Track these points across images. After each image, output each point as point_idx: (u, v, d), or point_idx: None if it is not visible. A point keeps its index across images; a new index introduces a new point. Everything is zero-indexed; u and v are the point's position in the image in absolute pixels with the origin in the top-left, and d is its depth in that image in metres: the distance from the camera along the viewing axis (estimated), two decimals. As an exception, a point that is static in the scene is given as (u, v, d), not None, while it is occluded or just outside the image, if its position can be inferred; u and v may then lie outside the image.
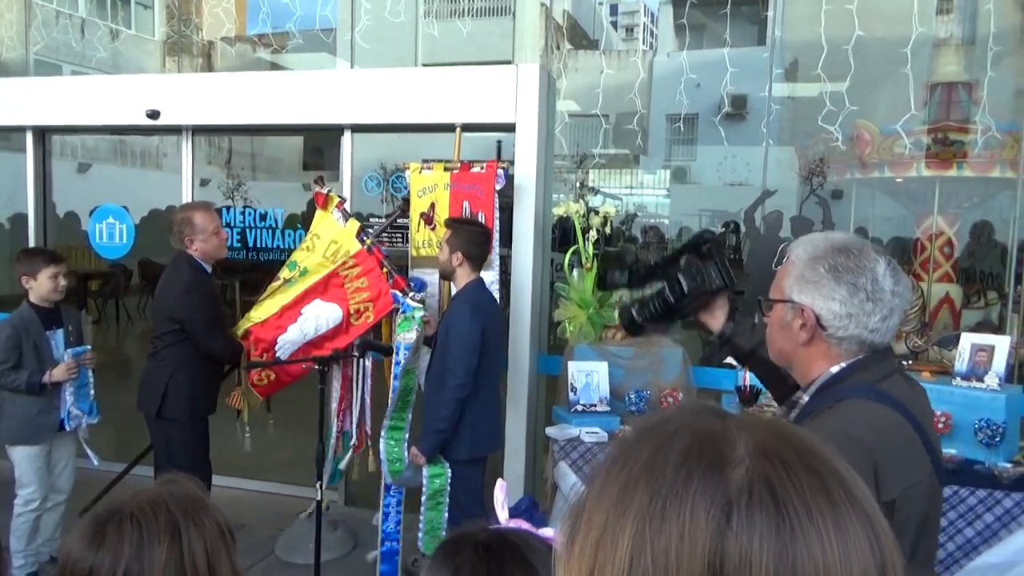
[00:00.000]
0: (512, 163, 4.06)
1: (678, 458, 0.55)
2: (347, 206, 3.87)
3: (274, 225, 4.75)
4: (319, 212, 3.81)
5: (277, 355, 3.64)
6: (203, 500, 1.10)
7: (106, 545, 1.03)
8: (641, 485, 0.54)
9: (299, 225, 4.76)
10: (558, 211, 4.10)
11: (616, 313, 1.92)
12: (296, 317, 3.59)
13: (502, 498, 0.83)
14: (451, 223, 3.43)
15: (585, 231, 3.93)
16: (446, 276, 3.41)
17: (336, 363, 3.20)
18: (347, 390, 3.83)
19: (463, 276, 3.28)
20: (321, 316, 3.58)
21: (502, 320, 3.44)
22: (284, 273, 3.80)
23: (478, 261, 3.26)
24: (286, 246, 4.77)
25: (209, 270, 3.57)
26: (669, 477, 0.54)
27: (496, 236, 3.86)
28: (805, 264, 1.33)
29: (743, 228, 5.30)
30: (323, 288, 3.63)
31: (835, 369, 1.33)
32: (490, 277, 3.86)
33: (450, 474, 3.31)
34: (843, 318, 1.30)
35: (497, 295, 3.86)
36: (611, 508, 0.55)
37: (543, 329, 4.34)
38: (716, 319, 1.79)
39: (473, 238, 3.26)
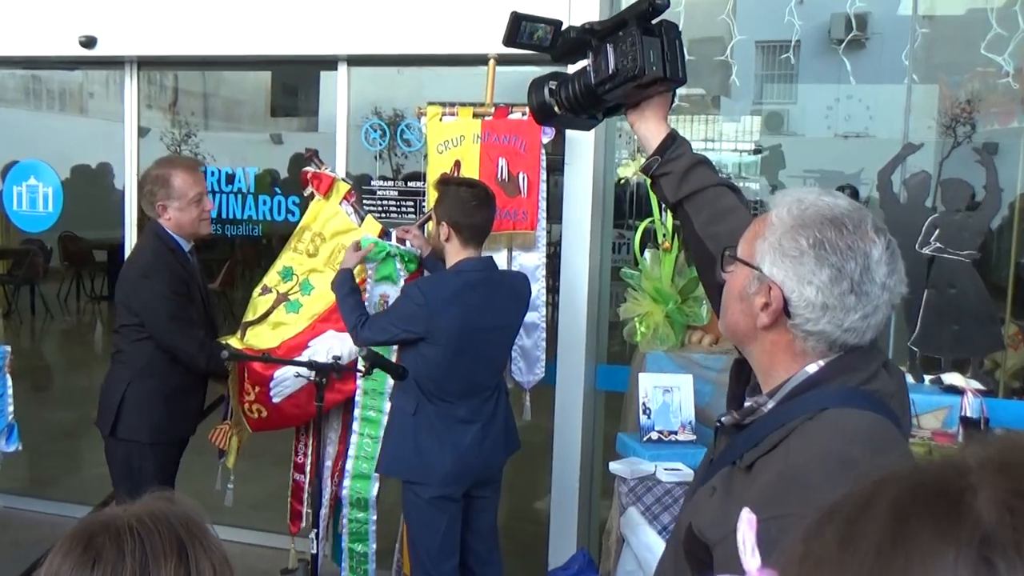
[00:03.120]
0: (563, 108, 4.03)
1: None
2: (338, 174, 3.87)
3: (244, 189, 4.76)
4: (317, 201, 3.82)
5: (271, 394, 3.65)
6: (204, 522, 1.16)
7: (103, 561, 1.07)
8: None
9: (278, 190, 4.76)
10: (624, 172, 4.06)
11: (529, 96, 1.90)
12: (302, 350, 3.59)
13: (751, 537, 0.77)
14: (437, 183, 3.43)
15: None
16: (440, 257, 3.42)
17: (336, 374, 3.21)
18: (347, 414, 3.85)
19: (453, 253, 3.28)
20: (335, 351, 3.54)
21: (508, 320, 3.37)
22: (274, 282, 3.80)
23: (470, 233, 3.24)
24: (259, 217, 4.78)
25: (186, 247, 3.59)
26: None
27: (542, 207, 3.84)
28: (787, 231, 1.37)
29: (872, 195, 5.18)
30: (338, 316, 3.59)
31: (812, 368, 1.38)
32: (533, 260, 3.85)
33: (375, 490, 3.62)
34: (816, 309, 1.35)
35: (542, 286, 3.84)
36: None
37: (603, 330, 4.32)
38: (648, 126, 1.80)
39: (458, 201, 3.24)
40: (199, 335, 3.57)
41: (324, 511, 3.84)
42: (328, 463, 3.87)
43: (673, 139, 1.79)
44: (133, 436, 3.54)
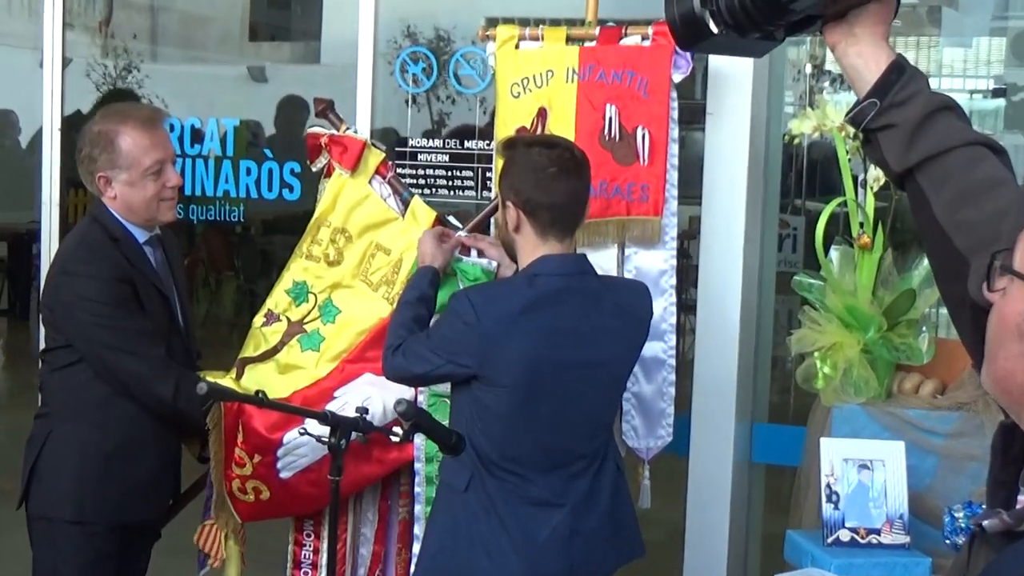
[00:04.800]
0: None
1: None
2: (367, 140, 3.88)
3: (217, 152, 4.84)
4: (337, 178, 3.85)
5: (278, 466, 3.68)
6: None
7: None
8: None
9: (267, 152, 4.83)
10: (798, 127, 4.02)
11: (667, 6, 1.84)
12: (324, 404, 3.55)
13: None
14: (501, 145, 3.44)
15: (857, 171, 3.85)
16: (510, 252, 3.43)
17: (361, 436, 3.22)
18: (388, 496, 3.89)
19: (525, 249, 3.26)
20: (374, 403, 3.54)
21: (612, 352, 3.33)
22: (282, 306, 3.85)
23: (549, 216, 3.19)
24: (239, 193, 4.86)
25: (140, 237, 3.67)
26: None
27: (672, 180, 3.85)
28: None
29: None
30: (377, 353, 3.57)
31: None
32: (657, 263, 3.87)
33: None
34: None
35: (671, 302, 3.86)
36: None
37: (763, 371, 4.35)
38: (860, 50, 1.78)
39: (529, 168, 3.20)
40: (157, 353, 3.60)
41: None
42: (362, 571, 3.88)
43: (900, 71, 1.77)
44: (48, 511, 3.60)
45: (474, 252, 3.68)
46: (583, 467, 3.34)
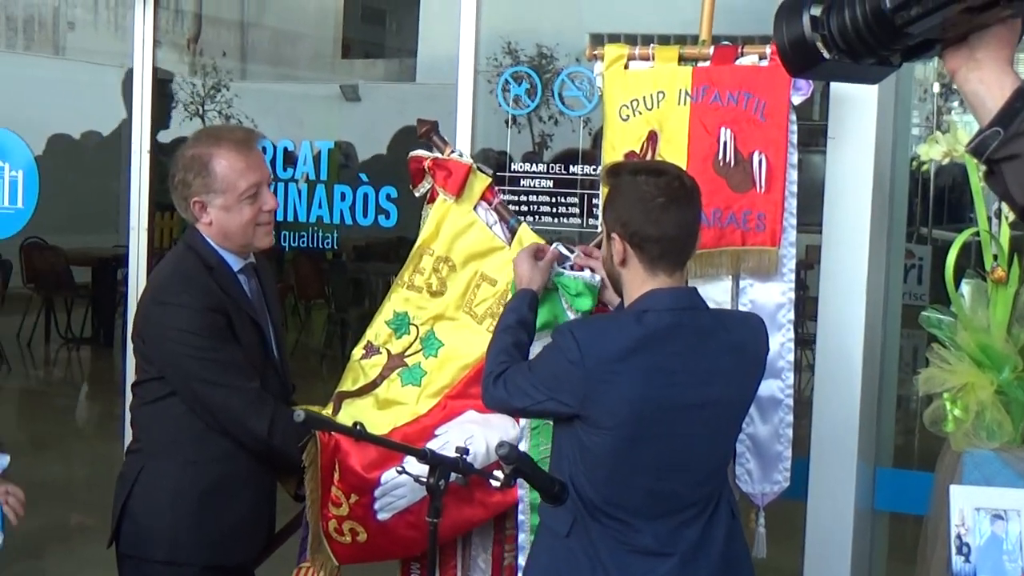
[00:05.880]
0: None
1: None
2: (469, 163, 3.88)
3: (311, 176, 4.89)
4: (441, 204, 3.87)
5: (376, 507, 3.68)
6: None
7: None
8: None
9: (363, 177, 4.87)
10: (927, 153, 3.98)
11: (776, 29, 1.83)
12: (426, 442, 3.57)
13: None
14: (606, 172, 3.43)
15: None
16: (615, 286, 3.41)
17: (461, 478, 3.23)
18: (500, 540, 3.89)
19: (633, 284, 3.23)
20: (477, 442, 3.55)
21: (725, 392, 3.28)
22: (382, 337, 3.88)
23: (658, 250, 3.15)
24: (332, 219, 4.90)
25: (235, 265, 3.73)
26: None
27: (791, 208, 3.84)
28: None
29: None
30: (480, 390, 3.59)
31: None
32: (774, 296, 3.85)
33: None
34: None
35: (789, 338, 3.84)
36: None
37: (887, 413, 4.31)
38: (982, 76, 1.73)
39: (636, 198, 3.17)
40: (251, 387, 3.63)
41: None
42: None
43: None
44: (140, 550, 3.65)
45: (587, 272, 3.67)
46: (694, 514, 3.30)
